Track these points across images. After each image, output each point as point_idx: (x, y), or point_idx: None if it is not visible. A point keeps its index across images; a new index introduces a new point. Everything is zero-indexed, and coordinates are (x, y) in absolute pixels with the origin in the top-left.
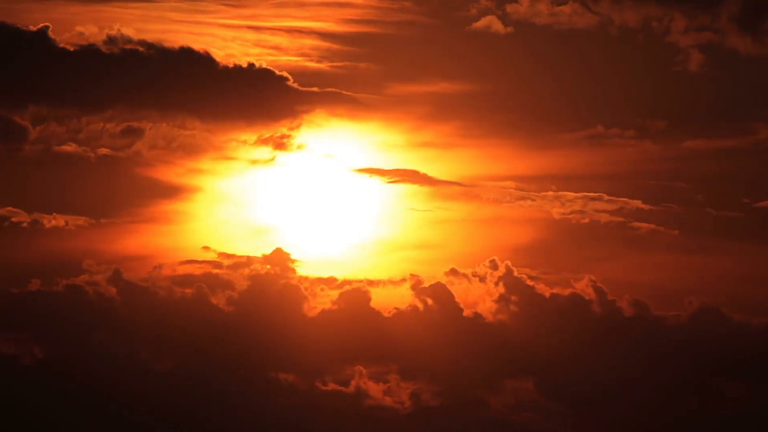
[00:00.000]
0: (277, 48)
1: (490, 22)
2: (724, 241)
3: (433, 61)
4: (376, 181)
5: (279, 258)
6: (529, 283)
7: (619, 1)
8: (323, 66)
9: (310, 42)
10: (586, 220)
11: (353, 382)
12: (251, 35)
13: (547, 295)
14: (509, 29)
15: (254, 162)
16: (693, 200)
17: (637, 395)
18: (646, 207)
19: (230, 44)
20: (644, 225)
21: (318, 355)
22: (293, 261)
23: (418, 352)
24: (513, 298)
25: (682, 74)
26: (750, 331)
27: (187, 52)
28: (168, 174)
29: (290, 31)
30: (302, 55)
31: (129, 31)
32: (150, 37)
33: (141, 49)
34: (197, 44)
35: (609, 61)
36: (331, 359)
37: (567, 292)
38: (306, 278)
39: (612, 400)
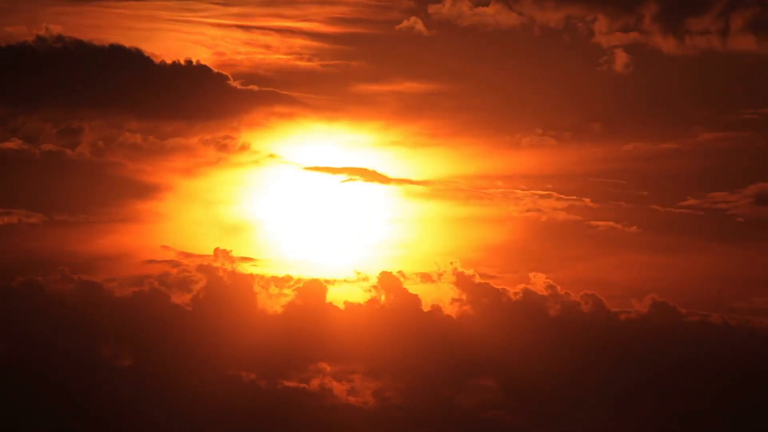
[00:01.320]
0: (266, 47)
1: (414, 23)
2: (683, 239)
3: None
4: (332, 179)
5: (223, 257)
6: (488, 282)
7: (541, 1)
8: (313, 64)
9: (300, 41)
10: (544, 219)
11: (316, 381)
12: (241, 34)
13: (506, 293)
14: (432, 32)
15: (203, 161)
16: (638, 197)
17: (595, 392)
18: (595, 205)
19: (220, 43)
20: (602, 223)
21: (278, 353)
22: (234, 260)
23: (379, 349)
24: (471, 297)
25: (608, 75)
26: (704, 328)
27: (117, 50)
28: (122, 172)
29: (280, 30)
30: (292, 53)
31: (58, 29)
32: (138, 36)
33: (70, 47)
34: (187, 43)
35: (535, 62)
36: (291, 357)
37: (525, 290)
38: (262, 277)
39: (571, 396)
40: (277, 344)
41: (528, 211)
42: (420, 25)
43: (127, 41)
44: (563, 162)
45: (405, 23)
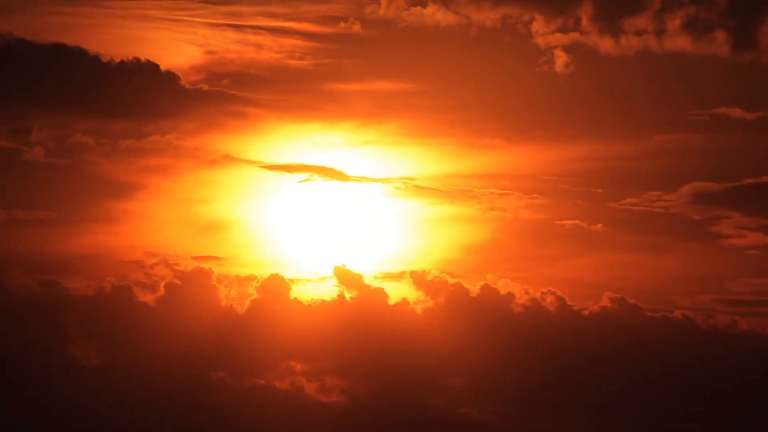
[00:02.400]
0: (258, 45)
1: (351, 24)
2: (650, 236)
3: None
4: (291, 179)
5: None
6: (456, 280)
7: (478, 1)
8: (305, 63)
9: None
10: (509, 218)
11: (286, 379)
12: (233, 33)
13: (467, 291)
14: (371, 31)
15: (156, 162)
16: (594, 195)
17: (563, 388)
18: (556, 204)
19: (211, 42)
20: (567, 222)
21: (247, 351)
22: (199, 259)
23: (347, 346)
24: (433, 296)
25: (549, 75)
26: (666, 325)
27: (59, 48)
28: (75, 171)
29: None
30: (283, 52)
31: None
32: (129, 35)
33: (12, 46)
34: (179, 42)
35: (476, 62)
36: (258, 354)
37: (487, 287)
38: (226, 276)
39: (540, 393)
40: (244, 342)
41: (491, 210)
42: (358, 26)
43: (118, 41)
44: (517, 162)
45: (343, 24)
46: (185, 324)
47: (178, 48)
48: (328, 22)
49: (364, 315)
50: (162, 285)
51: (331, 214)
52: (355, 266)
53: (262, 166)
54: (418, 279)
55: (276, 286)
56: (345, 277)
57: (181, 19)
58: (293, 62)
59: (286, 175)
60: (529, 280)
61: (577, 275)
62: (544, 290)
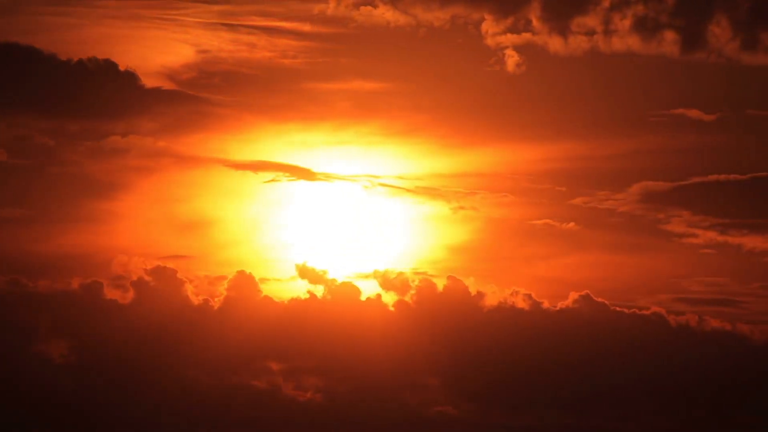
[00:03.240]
0: (251, 45)
1: (300, 24)
2: (603, 235)
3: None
4: (260, 178)
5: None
6: (421, 280)
7: (427, 1)
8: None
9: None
10: (485, 217)
11: (263, 378)
12: (225, 32)
13: (439, 292)
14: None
15: (116, 164)
16: (558, 193)
17: (534, 384)
18: (520, 200)
19: (203, 41)
20: (539, 221)
21: (222, 350)
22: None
23: (322, 343)
24: (405, 296)
25: (501, 75)
26: (636, 322)
27: (10, 47)
28: (39, 171)
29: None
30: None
31: None
32: (118, 34)
33: None
34: (171, 42)
35: (428, 62)
36: (235, 353)
37: (460, 289)
38: (196, 275)
39: (512, 390)
40: (219, 340)
41: (461, 209)
42: (308, 27)
43: (109, 40)
44: (478, 161)
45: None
46: (154, 322)
47: (170, 47)
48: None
49: (330, 311)
50: (131, 283)
51: (308, 213)
52: (331, 266)
53: (229, 165)
54: (384, 278)
55: (244, 284)
56: (309, 275)
57: (174, 18)
58: (286, 61)
59: (252, 174)
60: (502, 278)
61: (550, 274)
62: (514, 289)
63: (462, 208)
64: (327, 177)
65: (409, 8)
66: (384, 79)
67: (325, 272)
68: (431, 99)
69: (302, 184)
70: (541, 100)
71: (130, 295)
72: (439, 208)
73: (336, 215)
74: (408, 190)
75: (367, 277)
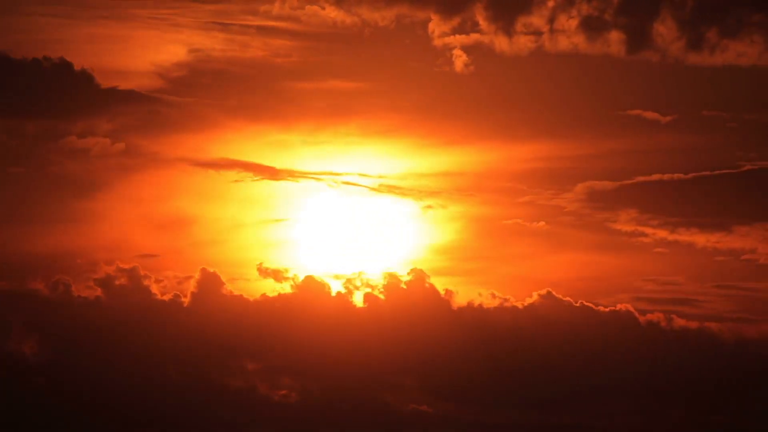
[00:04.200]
0: (244, 44)
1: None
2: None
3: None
4: (222, 177)
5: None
6: (390, 279)
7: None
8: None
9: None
10: (449, 217)
11: (237, 376)
12: (219, 30)
13: (409, 291)
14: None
15: (73, 166)
16: (522, 191)
17: (502, 381)
18: (485, 200)
19: (195, 40)
20: (510, 222)
21: (190, 348)
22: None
23: (293, 341)
24: (379, 295)
25: (450, 75)
26: (600, 319)
27: None
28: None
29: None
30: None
31: None
32: (109, 33)
33: None
34: (163, 41)
35: (377, 62)
36: (203, 352)
37: (428, 288)
38: (166, 275)
39: (482, 388)
40: (186, 338)
41: (429, 208)
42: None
43: (100, 39)
44: (443, 162)
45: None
46: (122, 321)
47: (162, 46)
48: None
49: (297, 308)
50: (99, 282)
51: (269, 212)
52: (304, 265)
53: (199, 165)
54: (352, 279)
55: (209, 282)
56: (270, 274)
57: (166, 17)
58: (278, 60)
59: (224, 174)
60: (472, 277)
61: (520, 272)
62: (480, 288)
63: (430, 207)
64: (303, 176)
65: (353, 7)
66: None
67: (286, 270)
68: (384, 100)
69: (279, 184)
70: (490, 101)
71: (99, 293)
72: (408, 207)
73: (308, 215)
74: (372, 189)
75: (337, 277)
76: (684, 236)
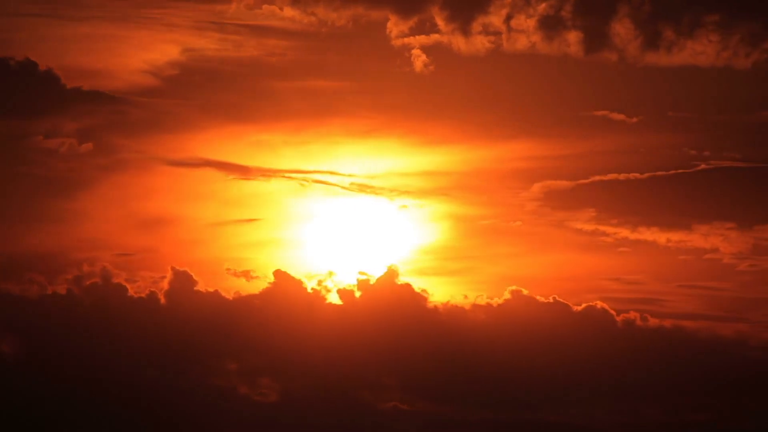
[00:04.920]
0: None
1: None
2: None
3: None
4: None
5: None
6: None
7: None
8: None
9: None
10: (426, 216)
11: (216, 375)
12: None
13: (386, 290)
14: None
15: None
16: (490, 189)
17: (483, 383)
18: (456, 199)
19: (188, 39)
20: (487, 222)
21: (167, 346)
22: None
23: (267, 339)
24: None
25: (409, 75)
26: (576, 317)
27: None
28: None
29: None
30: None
31: None
32: (101, 33)
33: None
34: (156, 41)
35: (339, 62)
36: (180, 350)
37: (399, 287)
38: (141, 275)
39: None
40: (164, 337)
41: (402, 207)
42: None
43: (92, 39)
44: (414, 162)
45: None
46: (98, 320)
47: (155, 45)
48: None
49: (270, 307)
50: (72, 282)
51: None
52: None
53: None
54: (327, 278)
55: (180, 281)
56: (238, 274)
57: (158, 17)
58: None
59: (190, 172)
60: (450, 276)
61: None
62: (460, 287)
63: (404, 206)
64: (275, 174)
65: (310, 7)
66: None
67: (256, 270)
68: (345, 100)
69: (256, 184)
70: (450, 102)
71: (73, 292)
72: (380, 205)
73: (285, 215)
74: (344, 188)
75: (309, 276)
76: (645, 235)
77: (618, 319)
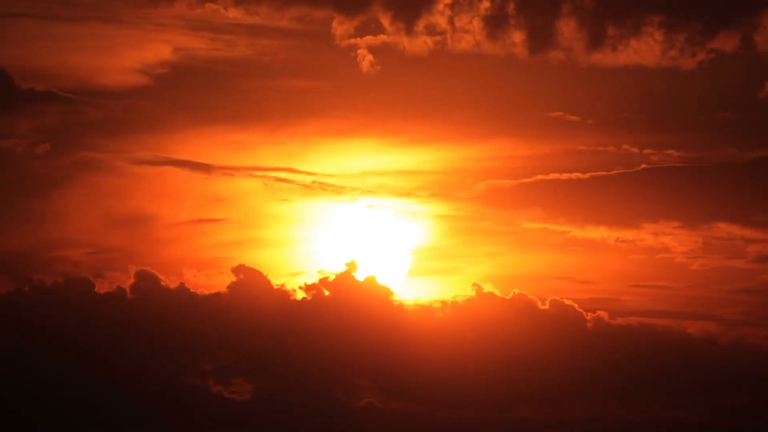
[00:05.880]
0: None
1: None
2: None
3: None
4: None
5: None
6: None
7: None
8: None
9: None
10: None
11: (189, 374)
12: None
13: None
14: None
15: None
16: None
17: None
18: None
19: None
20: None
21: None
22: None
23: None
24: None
25: (357, 75)
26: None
27: None
28: None
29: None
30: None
31: None
32: (95, 33)
33: None
34: (147, 41)
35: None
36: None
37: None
38: (110, 274)
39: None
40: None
41: (369, 207)
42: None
43: (83, 38)
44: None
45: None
46: (65, 317)
47: (146, 45)
48: None
49: (235, 304)
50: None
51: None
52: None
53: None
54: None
55: (147, 279)
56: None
57: (150, 16)
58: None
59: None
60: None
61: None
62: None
63: (371, 206)
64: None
65: (253, 7)
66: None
67: (221, 268)
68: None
69: (238, 182)
70: (398, 102)
71: (39, 289)
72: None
73: (250, 214)
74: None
75: (277, 276)
76: (594, 234)
77: (589, 317)
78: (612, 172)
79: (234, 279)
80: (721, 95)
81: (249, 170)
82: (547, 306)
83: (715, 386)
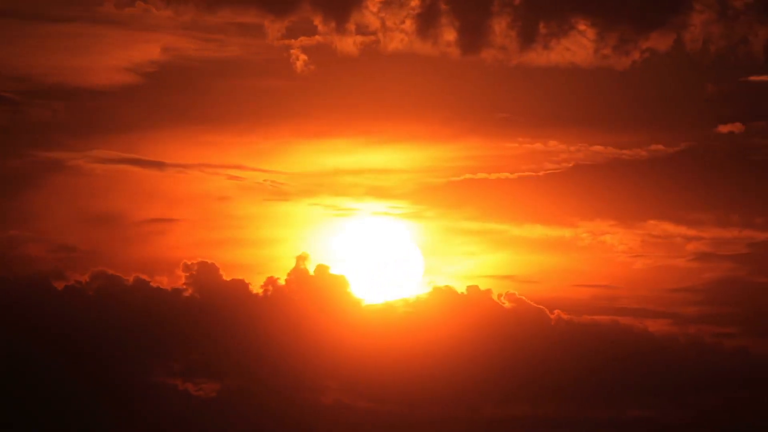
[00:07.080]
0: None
1: None
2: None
3: None
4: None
5: None
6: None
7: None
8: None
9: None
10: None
11: (155, 372)
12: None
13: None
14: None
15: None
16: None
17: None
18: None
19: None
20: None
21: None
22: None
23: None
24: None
25: (291, 76)
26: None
27: None
28: None
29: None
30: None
31: None
32: (88, 32)
33: None
34: (138, 42)
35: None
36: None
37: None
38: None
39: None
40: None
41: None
42: None
43: (78, 38)
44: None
45: None
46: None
47: (136, 45)
48: None
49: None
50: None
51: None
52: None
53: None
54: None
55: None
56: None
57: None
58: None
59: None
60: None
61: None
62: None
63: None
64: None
65: (181, 6)
66: None
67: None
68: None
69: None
70: (331, 102)
71: None
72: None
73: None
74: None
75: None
76: (532, 234)
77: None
78: (540, 173)
79: (189, 274)
80: (654, 94)
81: (217, 168)
82: (507, 303)
83: (684, 385)
